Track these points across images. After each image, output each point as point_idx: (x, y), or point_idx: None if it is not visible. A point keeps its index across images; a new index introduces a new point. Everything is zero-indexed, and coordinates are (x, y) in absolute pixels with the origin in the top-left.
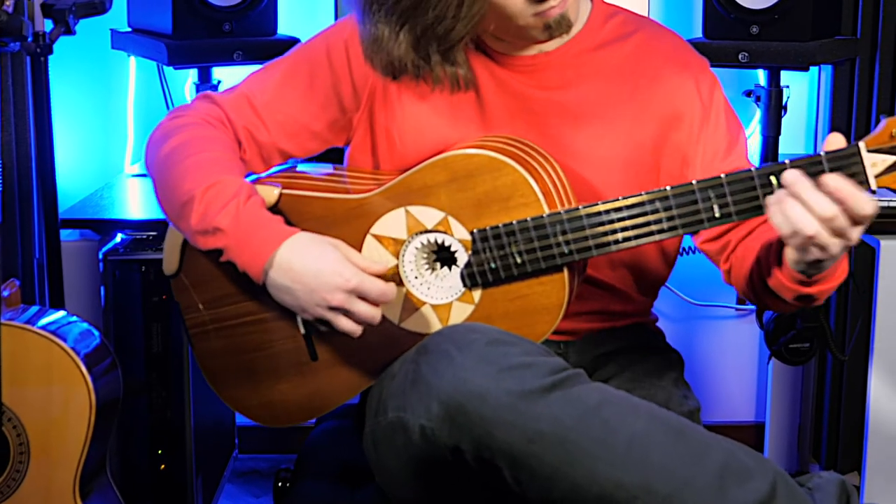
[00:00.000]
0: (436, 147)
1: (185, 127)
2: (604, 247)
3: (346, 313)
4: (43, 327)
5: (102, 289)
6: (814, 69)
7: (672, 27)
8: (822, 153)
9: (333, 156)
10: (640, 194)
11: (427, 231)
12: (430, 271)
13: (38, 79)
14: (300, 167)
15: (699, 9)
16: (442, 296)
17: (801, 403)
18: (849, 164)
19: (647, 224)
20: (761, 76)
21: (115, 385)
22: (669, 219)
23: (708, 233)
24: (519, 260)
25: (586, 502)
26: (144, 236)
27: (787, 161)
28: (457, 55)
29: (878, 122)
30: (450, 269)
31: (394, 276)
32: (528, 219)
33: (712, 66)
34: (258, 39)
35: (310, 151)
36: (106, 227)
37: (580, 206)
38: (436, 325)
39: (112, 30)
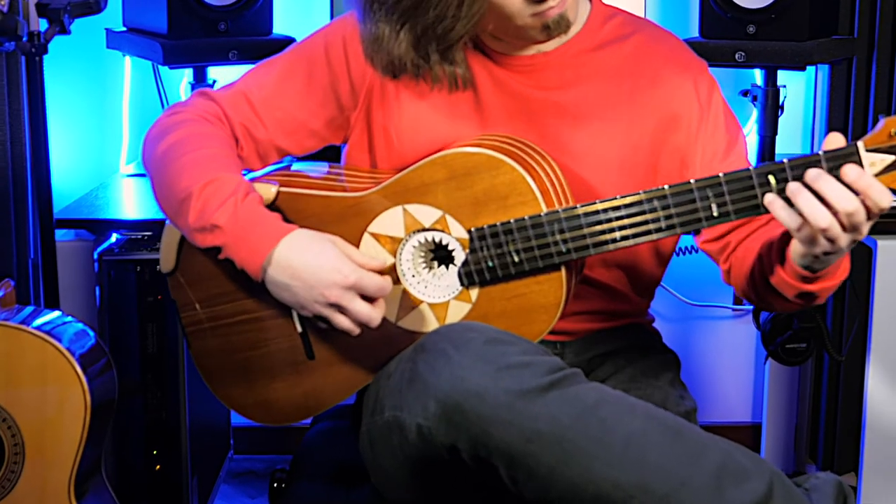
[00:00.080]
0: (433, 146)
1: (183, 123)
2: (601, 245)
3: (344, 310)
4: (38, 327)
5: (97, 289)
6: (810, 69)
7: (668, 26)
8: (820, 152)
9: (330, 154)
10: (639, 193)
11: (424, 229)
12: (427, 270)
13: (33, 78)
14: (295, 165)
15: (696, 8)
16: (439, 294)
17: (797, 404)
18: (848, 164)
19: (646, 223)
20: (758, 76)
21: (111, 385)
22: (667, 218)
23: (709, 233)
24: (516, 259)
25: (583, 502)
26: (139, 236)
27: (784, 160)
28: (456, 55)
29: (875, 121)
30: (447, 267)
31: (391, 275)
32: (526, 217)
33: (709, 65)
34: (253, 39)
35: (307, 149)
36: (101, 226)
37: (578, 206)
38: (433, 324)
39: (107, 29)
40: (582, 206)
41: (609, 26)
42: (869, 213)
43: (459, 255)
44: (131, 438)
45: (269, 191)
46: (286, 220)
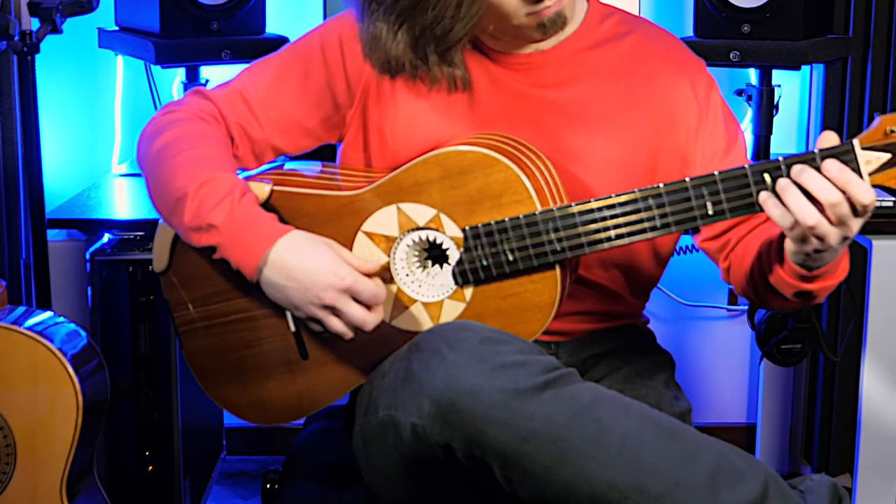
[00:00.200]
0: (428, 145)
1: (178, 122)
2: (596, 244)
3: (339, 313)
4: (30, 328)
5: (89, 289)
6: (805, 68)
7: (663, 25)
8: (815, 150)
9: (325, 153)
10: (634, 192)
11: (419, 228)
12: (421, 269)
13: (24, 78)
14: (288, 164)
15: (690, 7)
16: (433, 294)
17: (792, 405)
18: (843, 162)
19: (640, 221)
20: (753, 75)
21: (103, 386)
22: (662, 216)
23: (708, 231)
24: (511, 257)
25: (578, 502)
26: (132, 236)
27: (780, 158)
28: (454, 56)
29: (871, 120)
30: (441, 266)
31: (385, 274)
32: (521, 216)
33: None
34: (246, 38)
35: (302, 148)
36: (93, 227)
37: (573, 204)
38: (427, 324)
39: (99, 28)
40: (577, 204)
41: (606, 25)
42: (854, 210)
43: (454, 254)
44: (123, 439)
45: (262, 189)
46: (281, 219)
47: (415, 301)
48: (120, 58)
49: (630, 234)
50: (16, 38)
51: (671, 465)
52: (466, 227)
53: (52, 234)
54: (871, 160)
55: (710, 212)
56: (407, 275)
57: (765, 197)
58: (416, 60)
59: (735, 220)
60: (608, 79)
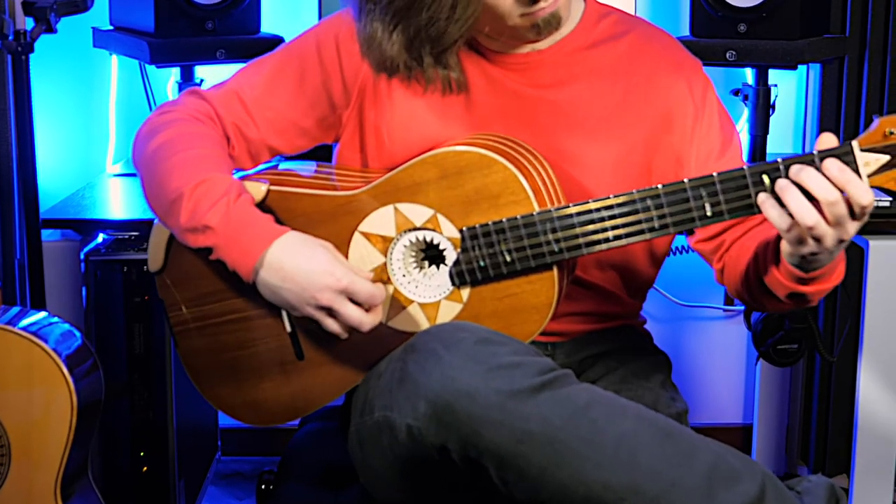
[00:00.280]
0: (425, 145)
1: (174, 123)
2: (594, 245)
3: (335, 314)
4: (24, 328)
5: (84, 289)
6: (802, 68)
7: (659, 25)
8: (814, 152)
9: (321, 153)
10: (632, 193)
11: (416, 229)
12: (418, 269)
13: (19, 77)
14: (284, 164)
15: (686, 7)
16: (430, 294)
17: (789, 405)
18: (830, 158)
19: (639, 222)
20: (749, 75)
21: (97, 386)
22: (661, 217)
23: (703, 232)
24: (508, 258)
25: (574, 503)
26: (126, 236)
27: (779, 159)
28: (449, 58)
29: (868, 120)
30: (438, 267)
31: (381, 274)
32: (518, 217)
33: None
34: (241, 38)
35: (298, 148)
36: (88, 227)
37: (570, 205)
38: (423, 324)
39: (94, 28)
40: (574, 205)
41: (603, 24)
42: (852, 212)
43: (451, 255)
44: (118, 440)
45: (258, 190)
46: (277, 219)
47: (411, 302)
48: (114, 57)
49: (628, 235)
50: (10, 38)
51: (667, 466)
52: (464, 228)
53: (46, 234)
54: (869, 162)
55: (709, 213)
56: (404, 275)
57: (763, 198)
58: (411, 61)
59: (730, 222)
60: (605, 79)
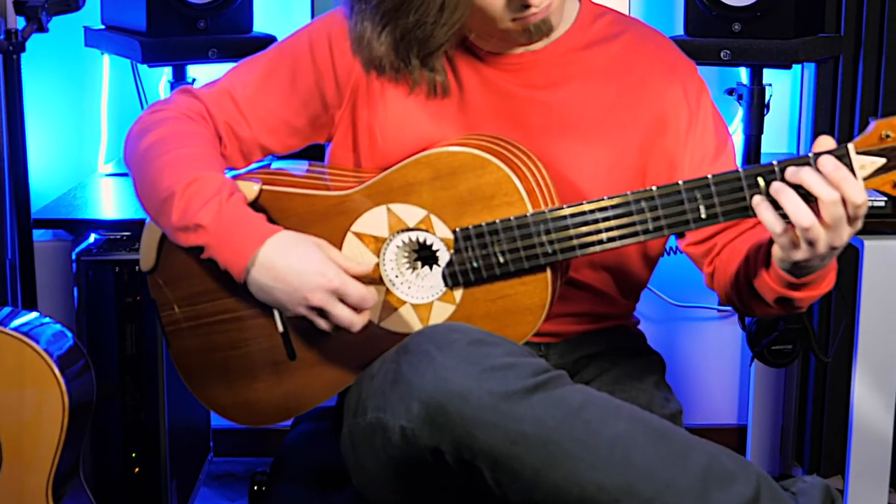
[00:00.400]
0: (418, 145)
1: (165, 121)
2: (588, 247)
3: (326, 314)
4: (15, 329)
5: (75, 290)
6: (797, 67)
7: (653, 24)
8: (810, 154)
9: (313, 153)
10: (626, 194)
11: (409, 229)
12: (410, 270)
13: (10, 77)
14: (276, 164)
15: (680, 6)
16: (423, 295)
17: (783, 406)
18: (825, 156)
19: (633, 224)
20: (743, 74)
21: (89, 387)
22: (655, 219)
23: (694, 235)
24: (501, 259)
25: None
26: (118, 236)
27: (774, 162)
28: (436, 62)
29: (863, 120)
30: (431, 268)
31: (374, 275)
32: (512, 218)
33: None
34: (233, 37)
35: (290, 147)
36: (79, 227)
37: (564, 206)
38: (416, 325)
39: (85, 27)
40: (568, 206)
41: (598, 25)
42: (848, 215)
43: (444, 256)
44: (110, 440)
45: (251, 189)
46: (269, 219)
47: (404, 302)
48: (106, 56)
49: (622, 236)
50: (1, 37)
51: (661, 467)
52: (457, 229)
53: (37, 234)
54: (865, 165)
55: (703, 215)
56: (396, 276)
57: (758, 201)
58: (398, 62)
59: (722, 226)
60: (599, 80)
